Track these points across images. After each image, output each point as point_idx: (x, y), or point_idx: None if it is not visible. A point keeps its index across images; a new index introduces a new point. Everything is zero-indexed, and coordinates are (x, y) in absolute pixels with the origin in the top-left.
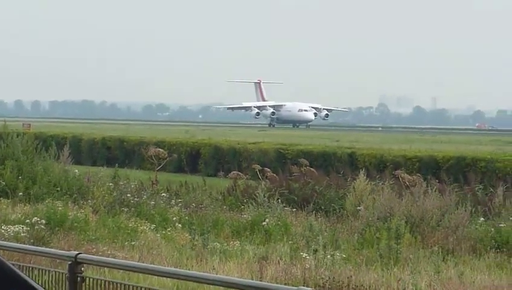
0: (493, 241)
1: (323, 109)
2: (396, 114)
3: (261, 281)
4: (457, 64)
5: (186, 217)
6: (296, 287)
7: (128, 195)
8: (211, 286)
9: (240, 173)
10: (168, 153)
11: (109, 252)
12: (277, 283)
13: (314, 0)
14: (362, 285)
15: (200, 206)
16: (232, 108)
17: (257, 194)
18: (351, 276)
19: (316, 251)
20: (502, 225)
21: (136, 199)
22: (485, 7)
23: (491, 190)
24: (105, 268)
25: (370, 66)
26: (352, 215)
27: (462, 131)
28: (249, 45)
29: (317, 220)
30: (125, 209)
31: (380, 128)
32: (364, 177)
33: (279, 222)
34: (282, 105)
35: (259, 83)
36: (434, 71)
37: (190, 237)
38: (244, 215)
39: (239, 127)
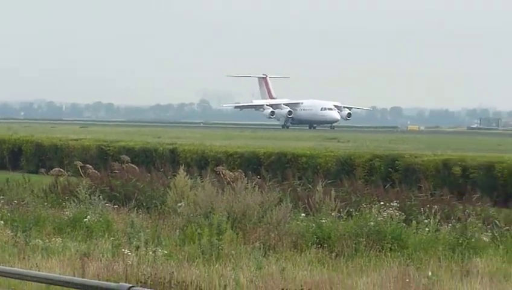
0: (314, 236)
1: (344, 107)
2: (218, 110)
3: (83, 277)
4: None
5: (8, 214)
6: (117, 283)
7: None
8: (33, 283)
9: (61, 169)
10: None
11: None
12: (99, 279)
13: None
14: (184, 281)
15: (22, 203)
16: (241, 106)
17: (78, 191)
18: (173, 272)
19: (137, 247)
20: (323, 220)
21: None
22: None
23: (310, 186)
24: None
25: (192, 62)
26: (174, 211)
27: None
28: None
29: (139, 216)
30: None
31: (201, 124)
32: (185, 173)
33: (101, 219)
34: (298, 103)
35: (265, 78)
36: (257, 69)
37: (12, 233)
38: (66, 212)
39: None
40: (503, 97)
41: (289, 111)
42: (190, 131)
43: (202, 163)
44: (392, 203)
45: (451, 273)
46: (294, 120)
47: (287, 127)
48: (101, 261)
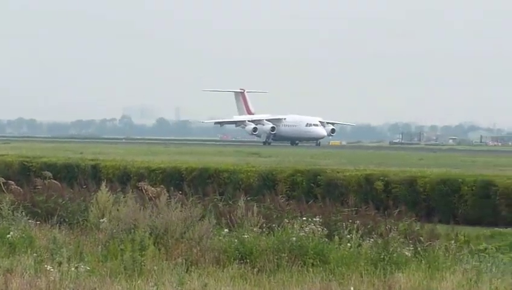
0: (237, 252)
1: (327, 122)
2: (140, 126)
3: None
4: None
5: None
6: None
7: None
8: None
9: None
10: None
11: None
12: None
13: None
14: None
15: None
16: (221, 122)
17: (1, 207)
18: (95, 288)
19: (60, 263)
20: (245, 236)
21: None
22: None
23: (231, 202)
24: None
25: (114, 77)
26: (96, 227)
27: (205, 142)
28: None
29: (62, 232)
30: None
31: (123, 140)
32: (107, 189)
33: (23, 235)
34: (280, 119)
35: (242, 92)
36: (175, 87)
37: None
38: None
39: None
40: (425, 112)
41: (272, 127)
42: (112, 146)
43: (124, 179)
44: (314, 219)
45: (373, 288)
46: (276, 136)
47: (269, 144)
48: (23, 277)
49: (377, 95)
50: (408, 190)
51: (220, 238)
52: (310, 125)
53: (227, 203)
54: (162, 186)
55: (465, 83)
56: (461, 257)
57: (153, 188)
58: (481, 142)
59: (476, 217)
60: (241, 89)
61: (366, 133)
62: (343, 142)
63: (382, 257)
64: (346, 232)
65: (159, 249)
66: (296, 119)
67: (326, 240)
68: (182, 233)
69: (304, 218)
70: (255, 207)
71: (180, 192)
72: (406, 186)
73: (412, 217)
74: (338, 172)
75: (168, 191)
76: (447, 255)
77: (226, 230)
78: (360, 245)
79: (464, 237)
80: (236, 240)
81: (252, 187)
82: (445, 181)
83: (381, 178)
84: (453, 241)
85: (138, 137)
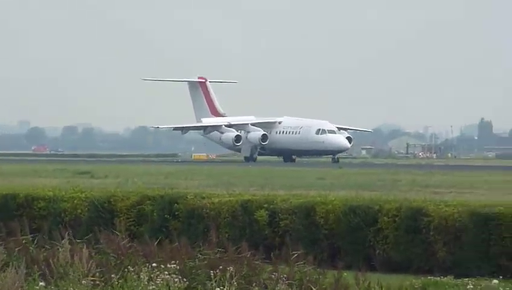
0: None
1: (340, 129)
2: None
3: None
4: None
5: None
6: None
7: None
8: None
9: None
10: None
11: None
12: None
13: None
14: None
15: None
16: (182, 128)
17: None
18: None
19: None
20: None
21: None
22: None
23: (48, 243)
24: None
25: None
26: None
27: (13, 157)
28: None
29: None
30: None
31: None
32: None
33: None
34: (272, 123)
35: (203, 82)
36: None
37: None
38: None
39: None
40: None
41: (263, 135)
42: None
43: None
44: (169, 265)
45: None
46: (267, 149)
47: (254, 160)
48: None
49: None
50: (303, 222)
51: None
52: (324, 132)
53: (44, 245)
54: None
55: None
56: None
57: None
58: (407, 153)
59: (401, 261)
60: (200, 78)
61: None
62: (212, 156)
63: None
64: (214, 284)
65: None
66: (300, 124)
67: None
68: None
69: (155, 264)
70: (84, 250)
71: None
72: (301, 218)
73: (308, 261)
74: (203, 197)
75: None
76: None
77: (41, 283)
78: None
79: (382, 289)
80: None
81: (80, 221)
82: (355, 209)
83: (265, 206)
84: None
85: None
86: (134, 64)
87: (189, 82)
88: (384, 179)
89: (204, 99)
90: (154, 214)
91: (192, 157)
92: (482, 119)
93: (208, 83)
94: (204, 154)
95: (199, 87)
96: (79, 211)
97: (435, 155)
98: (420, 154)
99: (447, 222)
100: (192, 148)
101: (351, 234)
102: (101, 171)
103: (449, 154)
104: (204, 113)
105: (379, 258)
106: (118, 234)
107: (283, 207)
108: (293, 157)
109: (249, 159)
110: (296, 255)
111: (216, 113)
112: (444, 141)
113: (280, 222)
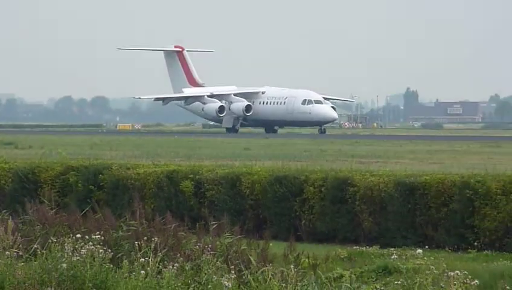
0: None
1: (326, 99)
2: None
3: None
4: None
5: None
6: None
7: None
8: None
9: None
10: None
11: None
12: None
13: None
14: None
15: None
16: (164, 99)
17: None
18: None
19: None
20: None
21: None
22: None
23: None
24: None
25: None
26: None
27: None
28: None
29: None
30: None
31: None
32: None
33: None
34: (255, 93)
35: (180, 52)
36: None
37: None
38: None
39: None
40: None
41: (247, 106)
42: None
43: None
44: (93, 236)
45: None
46: (249, 120)
47: (236, 131)
48: None
49: None
50: (229, 192)
51: None
52: (311, 102)
53: None
54: None
55: None
56: (305, 288)
57: None
58: (333, 122)
59: (327, 231)
60: (177, 47)
61: (170, 116)
62: (138, 126)
63: (192, 288)
64: (139, 254)
65: None
66: (284, 94)
67: (111, 266)
68: None
69: (79, 235)
70: (9, 222)
71: None
72: (226, 188)
73: (234, 232)
74: (128, 168)
75: None
76: (284, 285)
77: None
78: (160, 272)
79: (309, 259)
80: None
81: (4, 192)
82: (281, 180)
83: (191, 176)
84: (292, 266)
85: None
86: None
87: (165, 51)
88: (310, 150)
89: (182, 69)
90: (79, 184)
91: (118, 127)
92: (408, 88)
93: (185, 52)
94: (129, 124)
95: (176, 57)
96: (3, 181)
97: (360, 125)
98: (346, 124)
99: (372, 192)
100: (117, 118)
101: (277, 204)
102: (25, 142)
103: (375, 124)
104: (182, 83)
105: (305, 228)
106: (47, 203)
107: (209, 177)
108: (275, 128)
109: (231, 130)
110: (216, 225)
111: (194, 83)
112: (370, 111)
113: (206, 193)
